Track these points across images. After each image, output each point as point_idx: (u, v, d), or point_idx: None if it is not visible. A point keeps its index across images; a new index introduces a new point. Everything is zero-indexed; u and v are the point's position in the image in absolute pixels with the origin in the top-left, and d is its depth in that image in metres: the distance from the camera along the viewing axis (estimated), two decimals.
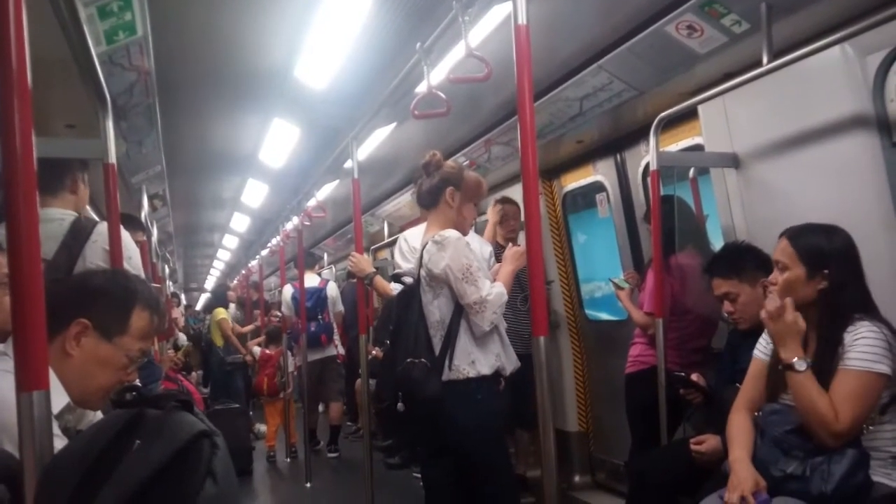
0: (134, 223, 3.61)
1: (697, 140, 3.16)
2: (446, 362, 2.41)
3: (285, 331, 6.15)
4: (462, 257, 2.40)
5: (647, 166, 3.54)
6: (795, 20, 2.29)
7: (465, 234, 2.56)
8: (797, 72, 2.29)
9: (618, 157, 3.94)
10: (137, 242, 2.83)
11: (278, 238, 6.87)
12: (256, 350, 6.67)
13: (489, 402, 2.44)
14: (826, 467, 1.78)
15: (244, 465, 5.43)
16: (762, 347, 2.14)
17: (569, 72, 3.15)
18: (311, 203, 4.97)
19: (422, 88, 2.45)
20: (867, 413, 1.82)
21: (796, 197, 2.58)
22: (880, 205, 2.26)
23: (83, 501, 0.96)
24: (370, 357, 4.15)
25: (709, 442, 2.34)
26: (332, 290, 6.09)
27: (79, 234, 2.35)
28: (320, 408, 6.54)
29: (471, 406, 2.41)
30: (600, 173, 4.11)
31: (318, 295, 5.83)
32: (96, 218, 2.62)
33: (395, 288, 2.89)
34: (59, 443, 1.14)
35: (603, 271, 4.45)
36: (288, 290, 6.06)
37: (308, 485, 5.12)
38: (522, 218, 3.93)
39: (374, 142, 4.52)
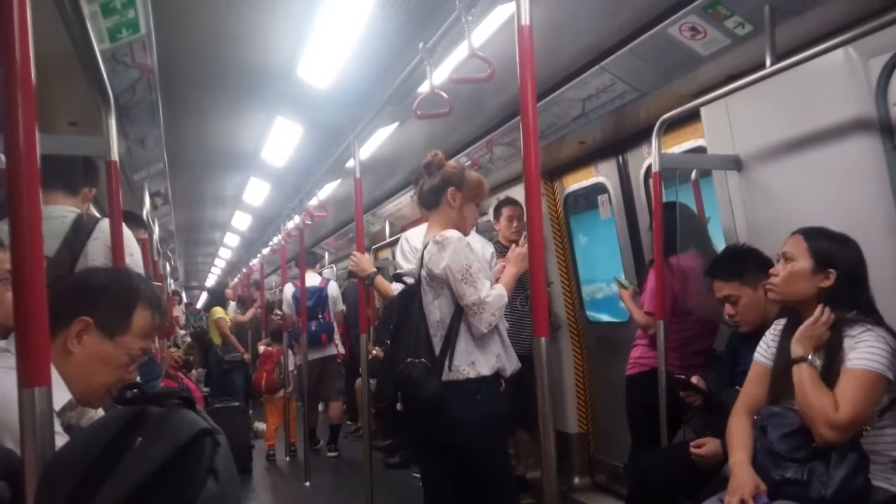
0: (136, 220, 3.61)
1: (700, 142, 3.16)
2: (446, 363, 2.40)
3: (286, 329, 6.15)
4: (462, 258, 2.39)
5: (649, 168, 3.54)
6: (799, 23, 2.29)
7: (466, 234, 2.54)
8: (800, 74, 2.29)
9: (620, 158, 3.94)
10: (139, 240, 2.83)
11: (280, 237, 6.87)
12: (231, 307, 6.62)
13: (489, 402, 2.43)
14: (826, 471, 1.78)
15: (244, 463, 5.44)
16: (763, 350, 2.14)
17: (571, 73, 3.15)
18: (313, 202, 4.97)
19: (424, 88, 2.45)
20: (867, 410, 1.82)
21: (798, 200, 2.58)
22: (882, 208, 2.26)
23: (84, 499, 0.96)
24: (371, 356, 4.15)
25: (709, 445, 2.34)
26: (333, 289, 6.09)
27: (81, 231, 2.36)
28: (320, 407, 6.54)
29: (470, 406, 2.39)
30: (602, 175, 4.11)
31: (319, 294, 5.84)
32: (98, 215, 2.62)
33: (397, 288, 2.89)
34: (61, 440, 1.14)
35: (604, 273, 4.45)
36: (289, 289, 6.07)
37: (307, 484, 5.12)
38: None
39: (377, 141, 4.52)
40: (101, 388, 1.44)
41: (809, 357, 1.89)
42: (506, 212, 4.00)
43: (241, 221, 10.10)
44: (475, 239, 3.29)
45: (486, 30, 2.72)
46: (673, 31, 2.54)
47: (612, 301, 4.13)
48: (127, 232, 2.33)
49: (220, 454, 1.03)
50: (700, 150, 3.15)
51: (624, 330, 3.80)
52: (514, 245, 3.00)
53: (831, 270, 1.95)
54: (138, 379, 1.56)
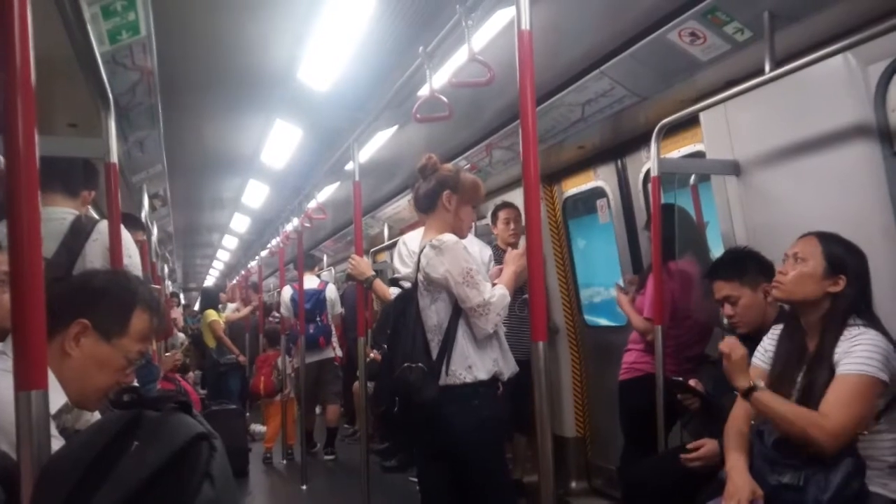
0: (134, 222, 3.61)
1: (699, 147, 3.16)
2: (443, 367, 2.39)
3: (284, 332, 6.15)
4: (462, 261, 2.38)
5: (647, 172, 3.55)
6: (798, 29, 2.29)
7: (462, 237, 2.54)
8: (799, 80, 2.30)
9: (619, 162, 3.94)
10: (137, 242, 2.83)
11: (278, 239, 6.87)
12: (231, 308, 6.52)
13: (486, 407, 2.41)
14: (822, 477, 1.78)
15: (240, 466, 5.43)
16: (761, 355, 2.14)
17: (571, 77, 3.16)
18: (312, 204, 4.97)
19: (424, 92, 2.45)
20: (863, 416, 1.82)
21: (797, 205, 2.59)
22: (881, 214, 2.27)
23: (80, 503, 0.96)
24: (368, 360, 4.15)
25: (706, 447, 2.34)
26: (332, 292, 6.09)
27: (79, 233, 2.36)
28: (317, 410, 6.54)
29: (468, 411, 2.39)
30: (601, 179, 4.12)
31: (318, 297, 5.84)
32: (96, 217, 2.62)
33: (394, 292, 2.89)
34: (57, 443, 1.13)
35: (602, 277, 4.45)
36: (287, 292, 6.06)
37: (304, 487, 5.11)
38: (523, 222, 3.97)
39: (376, 144, 4.52)
40: (97, 391, 1.44)
41: (753, 383, 1.90)
42: (502, 215, 4.01)
43: (240, 224, 10.10)
44: (473, 242, 3.28)
45: (486, 34, 2.72)
46: (672, 36, 2.55)
47: (610, 305, 4.13)
48: (125, 234, 2.33)
49: (217, 459, 1.03)
50: (699, 154, 3.16)
51: (622, 334, 3.80)
52: (509, 248, 3.01)
53: (842, 276, 1.94)
54: (136, 382, 1.56)
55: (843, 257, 1.97)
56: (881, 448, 1.86)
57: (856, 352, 1.84)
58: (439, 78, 2.51)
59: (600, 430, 4.42)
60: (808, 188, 2.52)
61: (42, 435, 0.97)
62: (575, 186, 4.40)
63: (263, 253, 8.96)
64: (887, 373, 1.81)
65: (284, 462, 6.03)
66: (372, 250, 7.58)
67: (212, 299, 8.18)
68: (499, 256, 3.87)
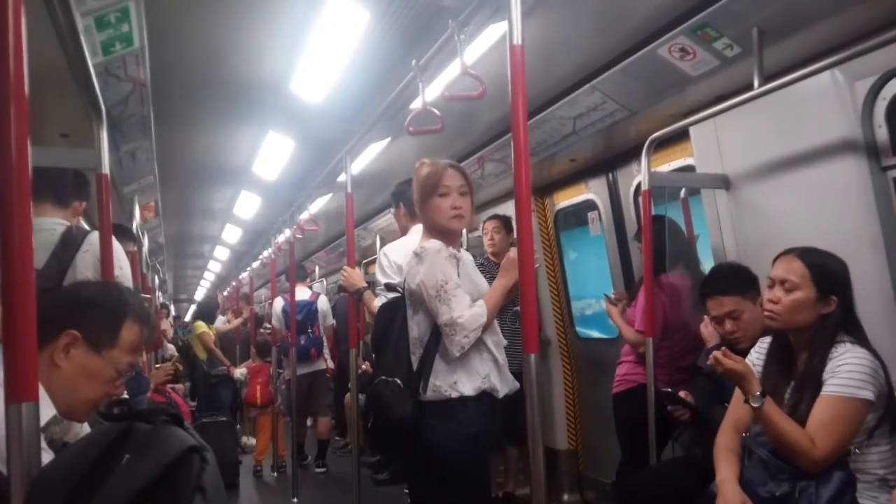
0: (125, 233, 3.60)
1: (689, 161, 3.19)
2: (422, 382, 2.23)
3: (275, 343, 6.12)
4: (438, 272, 2.19)
5: (638, 186, 3.57)
6: (786, 45, 2.32)
7: (447, 227, 2.30)
8: (788, 96, 2.33)
9: (610, 176, 3.97)
10: (128, 253, 2.82)
11: (270, 250, 6.86)
12: (242, 371, 6.56)
13: (471, 424, 2.24)
14: (814, 490, 1.78)
15: (231, 478, 5.38)
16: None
17: (562, 91, 3.18)
18: (304, 216, 4.97)
19: (417, 105, 2.46)
20: (848, 439, 1.83)
21: (786, 219, 2.61)
22: (868, 228, 2.29)
23: None
24: (360, 371, 4.14)
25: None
26: (323, 303, 6.07)
27: (70, 243, 2.35)
28: (308, 422, 6.50)
29: (449, 428, 2.22)
30: (592, 192, 4.14)
31: (309, 308, 5.82)
32: (87, 227, 2.61)
33: (381, 300, 2.84)
34: (46, 456, 1.12)
35: (594, 289, 4.47)
36: (279, 303, 6.05)
37: (295, 500, 5.07)
38: (513, 233, 4.00)
39: (368, 156, 4.54)
40: (87, 402, 1.42)
41: (750, 398, 1.87)
42: (488, 226, 4.12)
43: (232, 235, 10.08)
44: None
45: (478, 48, 2.74)
46: (663, 51, 2.57)
47: (601, 317, 4.14)
48: (116, 245, 2.32)
49: (208, 472, 1.02)
50: (689, 168, 3.18)
51: (613, 346, 3.81)
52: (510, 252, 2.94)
53: (833, 297, 1.93)
54: (126, 394, 1.55)
55: (831, 277, 1.95)
56: (871, 462, 1.86)
57: (842, 372, 1.84)
58: (432, 91, 2.52)
59: (592, 443, 4.42)
60: (796, 202, 2.54)
61: (32, 448, 0.96)
62: (566, 199, 4.42)
63: (255, 264, 8.93)
64: (874, 391, 1.81)
65: (275, 475, 5.99)
66: (364, 262, 7.58)
67: (204, 311, 8.13)
68: (489, 268, 3.89)
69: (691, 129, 2.90)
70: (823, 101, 2.36)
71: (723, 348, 1.99)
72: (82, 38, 1.71)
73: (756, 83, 2.33)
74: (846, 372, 1.83)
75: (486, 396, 2.27)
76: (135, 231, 4.32)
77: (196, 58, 3.61)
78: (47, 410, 1.33)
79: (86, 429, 1.54)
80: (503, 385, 2.33)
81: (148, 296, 4.93)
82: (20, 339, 0.95)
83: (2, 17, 0.96)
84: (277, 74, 3.73)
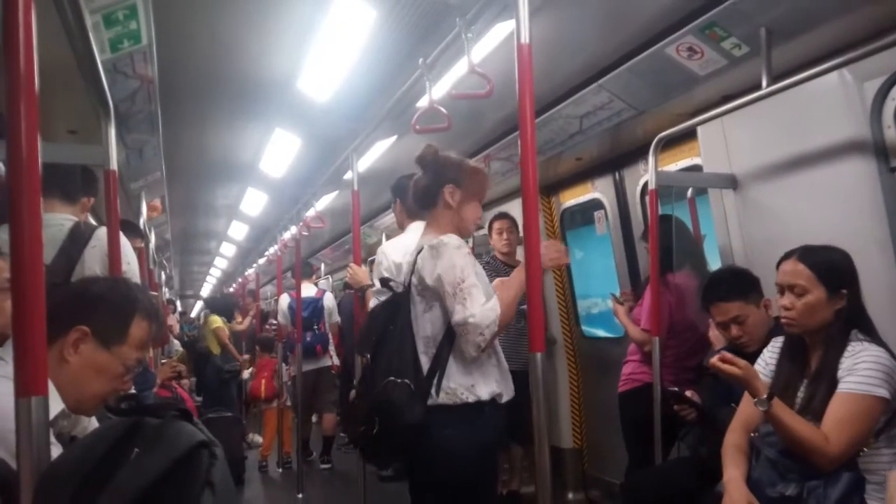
0: (132, 229, 3.61)
1: (696, 160, 3.18)
2: (434, 385, 2.10)
3: (281, 340, 6.14)
4: (457, 269, 2.09)
5: (645, 185, 3.56)
6: (795, 45, 2.32)
7: (467, 236, 2.30)
8: (796, 96, 2.32)
9: (616, 175, 3.96)
10: (135, 249, 2.83)
11: (276, 247, 6.87)
12: (251, 371, 6.57)
13: (487, 431, 2.14)
14: (822, 490, 1.78)
15: (236, 474, 5.40)
16: (761, 368, 2.14)
17: (569, 90, 3.18)
18: (310, 213, 4.98)
19: (423, 103, 2.47)
20: (864, 437, 1.82)
21: (793, 219, 2.60)
22: (877, 228, 2.28)
23: None
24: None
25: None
26: (329, 300, 6.09)
27: (78, 239, 2.36)
28: (314, 418, 6.51)
29: (466, 435, 2.10)
30: (599, 191, 4.13)
31: (315, 305, 5.83)
32: (94, 223, 2.63)
33: (379, 291, 2.71)
34: (54, 450, 1.13)
35: (600, 288, 4.46)
36: (284, 300, 6.06)
37: (300, 496, 5.09)
38: (519, 232, 4.00)
39: (375, 154, 4.54)
40: (94, 397, 1.44)
41: (756, 401, 1.86)
42: (496, 225, 4.10)
43: (238, 231, 10.11)
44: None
45: (485, 46, 2.74)
46: (670, 50, 2.57)
47: (607, 316, 4.14)
48: (124, 241, 2.33)
49: (217, 467, 1.03)
50: (696, 168, 3.17)
51: (619, 345, 3.80)
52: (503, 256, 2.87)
53: (843, 291, 1.93)
54: (133, 389, 1.56)
55: (836, 272, 1.95)
56: (880, 463, 1.86)
57: (859, 369, 1.83)
58: (439, 89, 2.52)
59: (597, 442, 4.42)
60: (804, 203, 2.53)
61: (42, 442, 0.97)
62: (573, 198, 4.41)
63: (261, 261, 8.94)
64: (889, 390, 1.81)
65: (280, 471, 6.01)
66: (370, 259, 7.58)
67: (219, 306, 8.14)
68: (496, 267, 3.89)
69: (699, 129, 2.90)
70: (832, 102, 2.35)
71: (722, 352, 1.99)
72: (91, 35, 1.72)
73: (764, 83, 2.33)
74: (863, 369, 1.82)
75: (496, 402, 2.19)
76: (142, 227, 4.34)
77: (203, 55, 3.62)
78: (56, 405, 1.34)
79: (93, 423, 1.55)
80: (507, 391, 2.24)
81: (155, 292, 4.95)
82: (30, 334, 0.95)
83: (12, 16, 0.97)
84: (284, 72, 3.73)
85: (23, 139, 0.97)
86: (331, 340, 5.99)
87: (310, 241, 7.35)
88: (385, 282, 2.41)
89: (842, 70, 2.21)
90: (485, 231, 4.36)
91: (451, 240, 2.16)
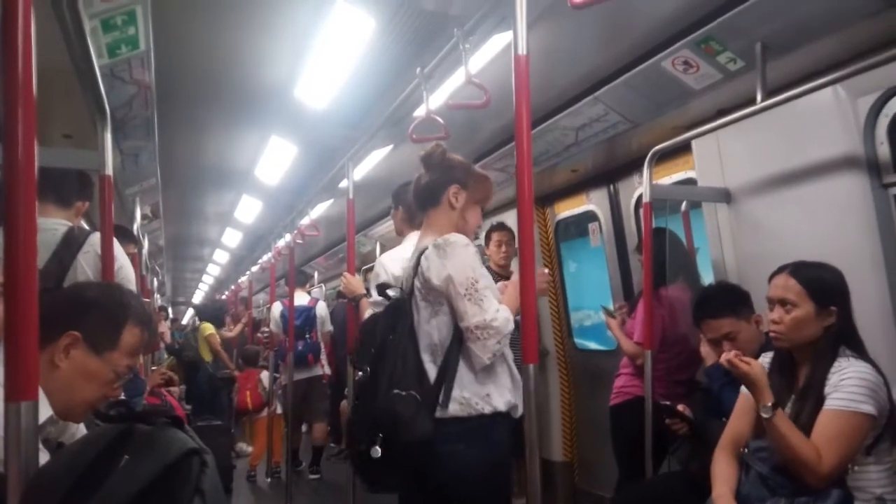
0: (126, 235, 3.60)
1: (690, 174, 3.19)
2: (441, 395, 1.97)
3: (273, 348, 6.11)
4: (468, 269, 1.99)
5: (639, 198, 3.58)
6: (790, 60, 2.33)
7: (468, 237, 2.18)
8: (790, 111, 2.34)
9: (611, 187, 3.98)
10: (129, 254, 2.82)
11: (270, 255, 6.86)
12: None
13: (499, 448, 2.00)
14: None
15: (225, 483, 5.35)
16: None
17: (566, 101, 3.20)
18: (305, 221, 4.97)
19: (420, 112, 2.47)
20: (853, 454, 1.82)
21: (786, 234, 2.61)
22: (869, 245, 2.29)
23: None
24: (357, 378, 4.13)
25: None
26: (322, 309, 6.07)
27: (71, 244, 2.36)
28: (304, 427, 6.48)
29: (483, 450, 1.96)
30: (593, 203, 4.15)
31: (308, 314, 5.81)
32: (88, 228, 2.62)
33: (376, 302, 2.69)
34: (41, 456, 1.12)
35: (593, 300, 4.47)
36: (277, 308, 6.04)
37: None
38: (516, 245, 3.99)
39: (371, 163, 4.54)
40: (84, 403, 1.42)
41: (761, 407, 1.86)
42: (495, 237, 4.02)
43: (232, 238, 10.08)
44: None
45: (482, 57, 2.75)
46: (666, 64, 2.58)
47: (600, 329, 4.14)
48: (117, 246, 2.32)
49: (208, 475, 1.02)
50: (690, 181, 3.19)
51: (612, 358, 3.80)
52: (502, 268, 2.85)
53: (833, 308, 1.93)
54: (122, 396, 1.54)
55: (827, 288, 1.95)
56: (868, 480, 1.85)
57: (845, 386, 1.83)
58: (436, 99, 2.53)
59: (588, 455, 4.41)
60: (798, 217, 2.55)
61: (31, 447, 0.96)
62: (567, 209, 4.43)
63: (254, 268, 8.92)
64: (875, 406, 1.81)
65: (269, 480, 5.97)
66: (364, 268, 7.58)
67: (210, 313, 8.10)
68: (492, 278, 3.88)
69: (693, 143, 2.91)
70: (826, 117, 2.37)
71: (733, 351, 1.98)
72: (89, 40, 1.72)
73: (759, 97, 2.34)
74: (849, 386, 1.83)
75: (511, 414, 2.06)
76: (135, 233, 4.32)
77: (201, 62, 3.62)
78: (44, 410, 1.33)
79: (81, 430, 1.53)
80: (521, 402, 2.06)
81: (147, 299, 4.93)
82: (22, 338, 0.95)
83: (11, 19, 0.97)
84: (282, 80, 3.74)
85: (20, 144, 0.97)
86: (323, 349, 5.97)
87: (304, 249, 7.34)
88: (383, 288, 2.30)
89: (836, 86, 2.23)
90: (480, 241, 4.35)
91: (459, 238, 2.06)
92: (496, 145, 3.93)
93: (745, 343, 2.41)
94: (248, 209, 7.64)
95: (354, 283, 3.22)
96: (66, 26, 1.59)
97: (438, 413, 1.95)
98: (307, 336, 5.79)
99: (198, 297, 19.83)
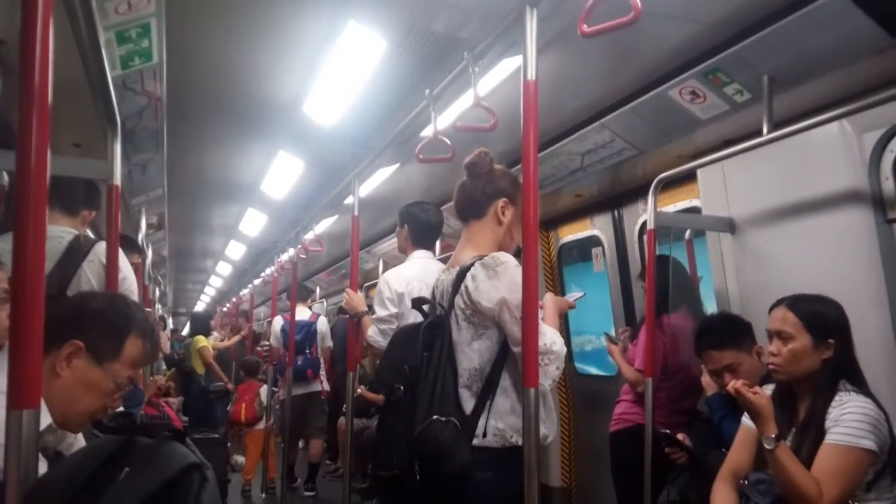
0: (131, 245, 3.61)
1: (695, 202, 3.20)
2: (480, 423, 1.88)
3: (272, 362, 6.09)
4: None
5: (643, 224, 3.58)
6: (796, 93, 2.35)
7: (512, 250, 2.09)
8: (796, 144, 2.35)
9: (615, 213, 3.98)
10: (133, 264, 2.83)
11: (272, 268, 6.86)
12: (214, 336, 6.42)
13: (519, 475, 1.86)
14: None
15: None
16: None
17: (572, 127, 3.21)
18: (309, 236, 4.98)
19: (428, 133, 2.49)
20: (853, 490, 1.81)
21: (790, 266, 2.61)
22: (872, 280, 2.29)
23: None
24: (356, 395, 4.11)
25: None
26: (322, 324, 6.06)
27: (76, 252, 2.36)
28: (300, 444, 6.44)
29: (505, 480, 1.85)
30: (597, 228, 4.15)
31: (308, 329, 5.81)
32: (93, 237, 2.63)
33: (379, 319, 2.74)
34: (41, 465, 1.12)
35: (594, 325, 4.46)
36: (278, 322, 6.04)
37: None
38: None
39: (377, 181, 4.56)
40: (83, 413, 1.42)
41: (764, 438, 1.84)
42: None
43: (235, 251, 10.09)
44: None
45: (491, 80, 2.77)
46: (673, 93, 2.60)
47: (600, 354, 4.13)
48: (122, 257, 2.33)
49: (208, 490, 1.02)
50: (695, 210, 3.19)
51: (612, 384, 3.79)
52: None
53: (830, 341, 1.93)
54: (121, 407, 1.54)
55: (823, 321, 1.95)
56: None
57: (845, 420, 1.83)
58: (443, 120, 2.54)
59: (586, 481, 4.38)
60: (801, 250, 2.55)
61: (31, 455, 0.96)
62: (571, 234, 4.43)
63: (257, 281, 8.91)
64: (876, 442, 1.80)
65: (264, 496, 5.92)
66: (366, 285, 7.57)
67: (202, 325, 8.10)
68: None
69: (699, 172, 2.92)
70: (831, 151, 2.38)
71: (741, 380, 1.97)
72: (103, 52, 1.73)
73: (765, 129, 2.36)
74: (849, 420, 1.82)
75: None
76: (140, 243, 4.33)
77: (212, 75, 3.66)
78: (44, 419, 1.33)
79: (80, 439, 1.53)
80: (551, 430, 2.02)
81: (149, 309, 4.93)
82: (26, 347, 0.95)
83: (30, 29, 0.98)
84: (291, 96, 3.77)
85: (32, 151, 0.97)
86: (322, 365, 5.95)
87: (306, 264, 7.33)
88: (419, 303, 2.16)
89: (842, 121, 2.24)
90: None
91: (509, 259, 1.95)
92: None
93: (747, 374, 2.40)
94: (253, 222, 7.66)
95: (356, 299, 3.22)
96: (82, 37, 1.61)
97: (475, 441, 1.88)
98: (307, 351, 5.77)
99: (199, 308, 19.80)
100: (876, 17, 1.96)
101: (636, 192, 3.64)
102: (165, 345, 7.89)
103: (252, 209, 7.12)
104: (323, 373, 5.96)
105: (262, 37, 3.20)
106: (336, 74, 3.36)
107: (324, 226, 5.83)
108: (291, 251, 5.69)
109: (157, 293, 8.63)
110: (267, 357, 6.25)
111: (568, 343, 4.48)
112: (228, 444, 6.73)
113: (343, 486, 3.59)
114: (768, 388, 2.13)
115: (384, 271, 6.92)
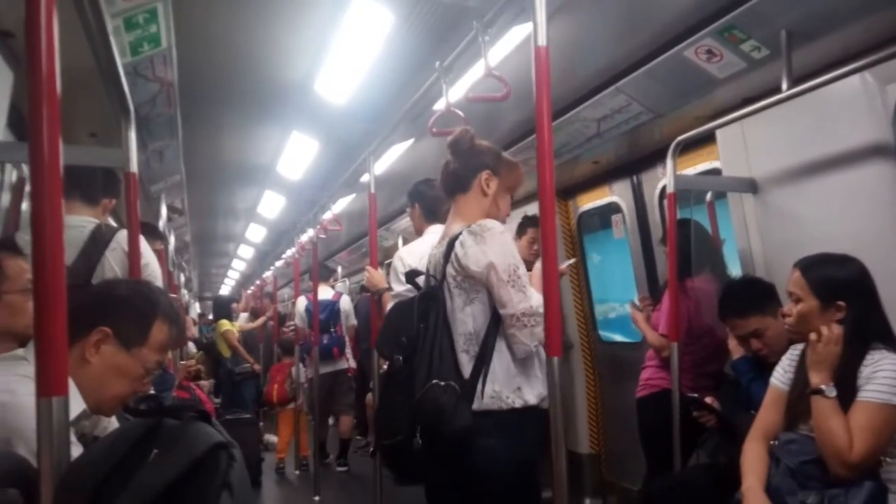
0: (152, 231, 3.65)
1: (715, 164, 3.15)
2: (478, 386, 1.92)
3: (298, 342, 6.17)
4: (509, 255, 1.95)
5: (663, 189, 3.54)
6: (815, 47, 2.29)
7: (499, 223, 2.12)
8: (816, 99, 2.29)
9: (634, 178, 3.94)
10: (155, 251, 2.86)
11: (293, 250, 6.91)
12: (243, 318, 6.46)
13: (530, 443, 1.97)
14: (844, 500, 1.75)
15: (253, 476, 5.43)
16: (779, 376, 2.11)
17: (587, 93, 3.16)
18: (327, 216, 5.00)
19: (440, 106, 2.47)
20: (883, 446, 1.79)
21: (813, 223, 2.57)
22: None
23: None
24: (382, 371, 4.14)
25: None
26: (346, 303, 6.10)
27: (99, 241, 2.39)
28: (330, 420, 6.53)
29: (515, 445, 1.92)
30: (616, 194, 4.11)
31: (332, 308, 5.85)
32: (115, 225, 2.66)
33: (398, 294, 2.66)
34: (75, 449, 1.14)
35: (617, 292, 4.44)
36: (302, 302, 6.09)
37: (316, 498, 5.10)
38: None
39: (391, 157, 4.55)
40: (114, 398, 1.45)
41: (825, 387, 1.84)
42: (531, 232, 3.77)
43: (256, 234, 10.18)
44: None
45: (502, 49, 2.74)
46: (689, 53, 2.55)
47: (624, 321, 4.11)
48: (143, 243, 2.36)
49: (236, 469, 1.03)
50: (715, 172, 3.14)
51: (637, 350, 3.77)
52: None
53: (840, 303, 1.91)
54: (152, 390, 1.57)
55: (831, 283, 1.93)
56: None
57: (878, 378, 1.81)
58: (455, 92, 2.52)
59: (615, 448, 4.39)
60: (825, 206, 2.50)
61: (62, 441, 0.98)
62: (590, 202, 4.39)
63: (278, 263, 8.98)
64: None
65: (297, 473, 6.03)
66: (386, 262, 7.59)
67: (224, 308, 8.20)
68: None
69: (718, 132, 2.87)
70: (853, 105, 2.32)
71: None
72: (111, 39, 1.74)
73: (784, 86, 2.30)
74: (882, 378, 1.80)
75: (541, 406, 1.99)
76: (161, 229, 4.38)
77: (222, 58, 3.66)
78: (77, 405, 1.36)
79: (113, 423, 1.56)
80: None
81: (174, 294, 5.00)
82: (51, 335, 0.96)
83: (35, 20, 0.98)
84: (302, 75, 3.76)
85: (45, 142, 0.98)
86: (347, 343, 6.01)
87: (326, 243, 7.37)
88: (412, 276, 2.21)
89: (863, 73, 2.18)
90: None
91: (495, 224, 2.02)
92: (516, 137, 3.91)
93: (773, 338, 2.38)
94: (272, 204, 7.71)
95: (377, 277, 3.24)
96: (89, 25, 1.61)
97: (475, 405, 1.91)
98: (332, 330, 5.83)
99: (224, 292, 20.05)
100: None
101: (654, 157, 3.59)
102: (192, 329, 8.02)
103: (269, 191, 7.15)
104: (349, 350, 6.02)
105: (270, 17, 3.19)
106: (346, 51, 3.34)
107: (341, 205, 5.84)
108: (311, 232, 5.71)
109: (182, 279, 8.73)
110: (293, 337, 6.32)
111: (591, 311, 4.49)
112: (261, 424, 6.85)
113: (374, 459, 3.64)
114: (796, 349, 2.12)
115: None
